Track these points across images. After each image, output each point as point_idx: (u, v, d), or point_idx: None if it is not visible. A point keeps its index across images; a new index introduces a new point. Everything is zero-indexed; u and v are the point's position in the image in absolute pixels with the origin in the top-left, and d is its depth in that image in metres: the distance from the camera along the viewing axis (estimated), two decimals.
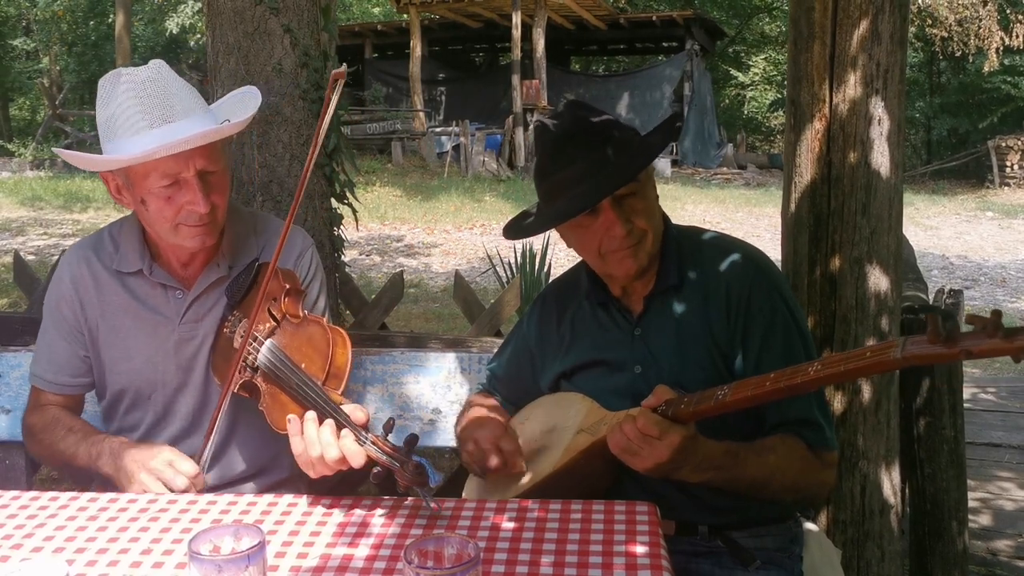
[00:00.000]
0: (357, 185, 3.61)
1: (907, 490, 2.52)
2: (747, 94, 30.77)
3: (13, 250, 3.17)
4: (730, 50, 30.20)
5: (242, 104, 1.91)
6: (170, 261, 1.94)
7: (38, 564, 1.24)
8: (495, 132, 18.79)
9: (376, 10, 27.50)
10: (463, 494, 1.99)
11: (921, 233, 13.14)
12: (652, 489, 1.77)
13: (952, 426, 2.42)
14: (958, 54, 20.72)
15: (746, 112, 30.70)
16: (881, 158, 2.17)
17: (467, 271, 9.71)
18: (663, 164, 18.57)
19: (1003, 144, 20.40)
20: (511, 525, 1.59)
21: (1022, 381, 6.33)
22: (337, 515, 1.62)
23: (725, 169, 20.88)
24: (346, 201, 3.47)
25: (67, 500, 1.70)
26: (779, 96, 29.70)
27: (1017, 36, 18.71)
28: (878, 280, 2.20)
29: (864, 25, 2.11)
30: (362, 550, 1.50)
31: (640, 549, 1.49)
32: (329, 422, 1.63)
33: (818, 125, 2.19)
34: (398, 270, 3.43)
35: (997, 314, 1.13)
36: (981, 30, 19.01)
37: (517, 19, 18.57)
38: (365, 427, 1.65)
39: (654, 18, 22.34)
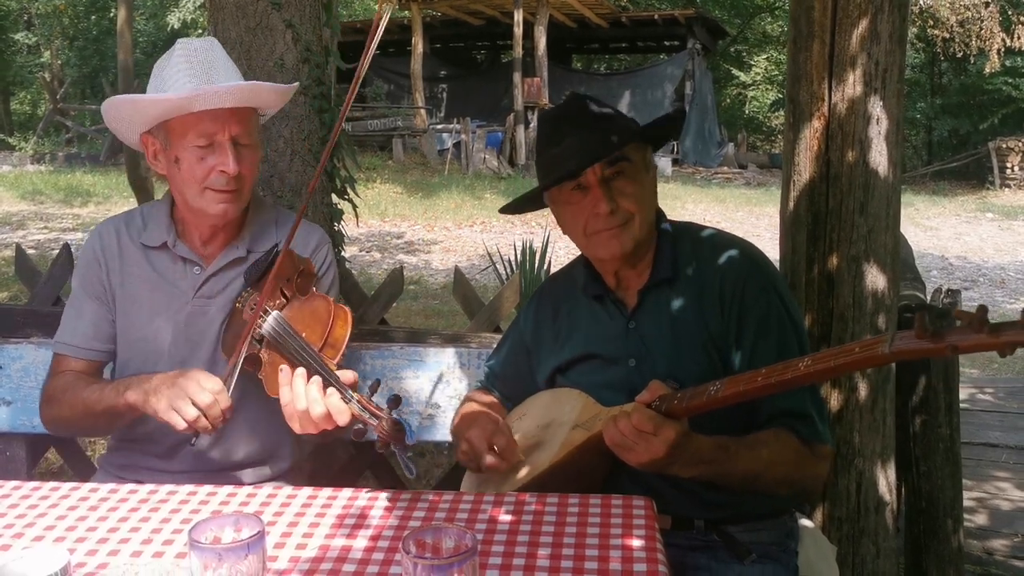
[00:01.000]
0: (358, 181, 3.62)
1: (903, 488, 2.53)
2: (748, 93, 30.76)
3: (14, 243, 3.17)
4: (732, 49, 30.18)
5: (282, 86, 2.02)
6: (193, 237, 2.03)
7: (39, 552, 1.25)
8: (496, 130, 18.79)
9: (378, 6, 27.50)
10: (461, 488, 2.00)
11: (921, 234, 13.14)
12: (648, 483, 1.78)
13: (948, 424, 2.43)
14: (959, 55, 20.70)
15: (747, 111, 30.69)
16: (879, 157, 2.18)
17: (467, 268, 9.72)
18: (664, 163, 18.58)
19: (1004, 146, 20.39)
20: (508, 518, 1.60)
21: (1020, 382, 6.35)
22: (336, 507, 1.64)
23: (726, 168, 20.88)
24: (347, 197, 3.47)
25: (68, 490, 1.71)
26: (780, 96, 29.68)
27: (1019, 37, 18.70)
28: (875, 279, 2.21)
29: (863, 24, 2.12)
30: (360, 541, 1.51)
31: (636, 543, 1.51)
32: (316, 379, 1.71)
33: (817, 124, 2.20)
34: (398, 266, 3.44)
35: (983, 310, 1.14)
36: (983, 31, 19.00)
37: (519, 17, 18.56)
38: (352, 387, 1.72)
39: (656, 17, 22.31)
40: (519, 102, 18.52)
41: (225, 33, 3.22)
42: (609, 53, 29.66)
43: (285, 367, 1.74)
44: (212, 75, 1.88)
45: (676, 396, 1.58)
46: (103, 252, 2.04)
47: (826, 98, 2.19)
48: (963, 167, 21.42)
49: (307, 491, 1.71)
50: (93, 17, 24.75)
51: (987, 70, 19.57)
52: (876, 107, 2.16)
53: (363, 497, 1.68)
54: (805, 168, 2.24)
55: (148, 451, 2.05)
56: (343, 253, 3.49)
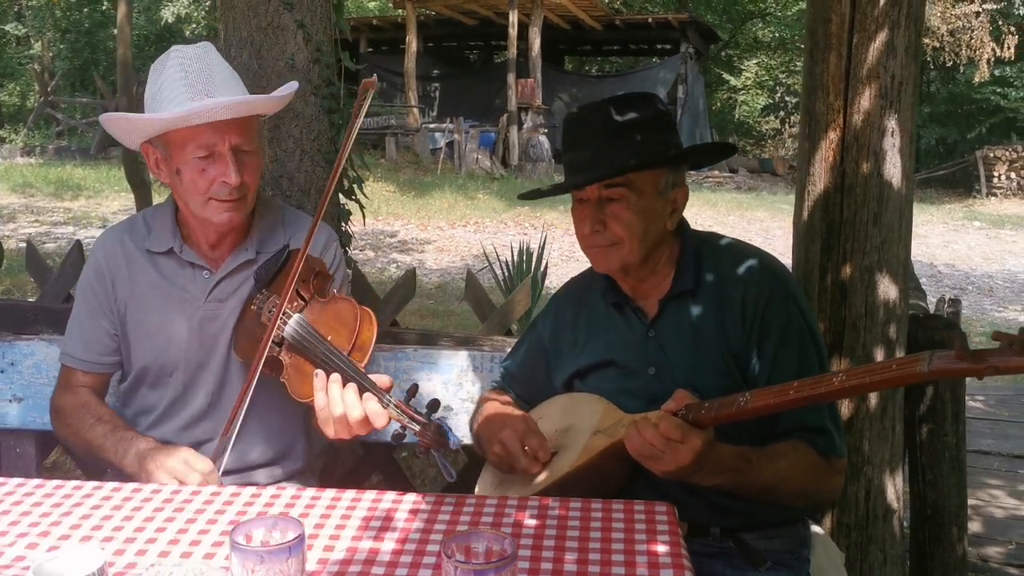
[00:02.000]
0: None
1: (908, 495, 2.56)
2: (739, 98, 30.89)
3: (25, 238, 3.17)
4: (723, 54, 30.29)
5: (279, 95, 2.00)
6: (199, 242, 2.02)
7: (75, 551, 1.26)
8: (489, 130, 18.79)
9: (372, 4, 27.47)
10: (476, 490, 2.01)
11: None
12: (664, 490, 1.80)
13: (954, 433, 2.46)
14: (949, 64, 20.86)
15: (737, 116, 30.82)
16: (893, 169, 2.20)
17: (460, 268, 9.73)
18: None
19: (991, 155, 20.56)
20: (533, 522, 1.61)
21: (1010, 390, 6.40)
22: (361, 509, 1.65)
23: (716, 172, 20.94)
24: (354, 197, 3.48)
25: (91, 489, 1.72)
26: (771, 101, 29.84)
27: (1008, 48, 18.86)
28: (887, 289, 2.24)
29: (880, 38, 2.14)
30: (388, 544, 1.52)
31: (661, 548, 1.52)
32: (352, 384, 1.70)
33: (832, 135, 2.23)
34: (411, 267, 3.45)
35: None
36: (973, 41, 19.16)
37: (514, 18, 18.57)
38: (388, 391, 1.72)
39: (650, 20, 22.39)
40: (513, 103, 18.52)
41: (236, 32, 3.22)
42: (602, 55, 29.71)
43: (320, 372, 1.73)
44: (210, 86, 1.86)
45: (704, 406, 1.60)
46: (107, 265, 2.04)
47: (842, 110, 2.22)
48: (950, 175, 21.55)
49: (331, 493, 1.72)
50: (86, 9, 24.58)
51: (976, 79, 19.73)
52: (891, 120, 2.18)
53: (387, 500, 1.69)
54: (820, 178, 2.26)
55: None
56: (350, 254, 3.50)
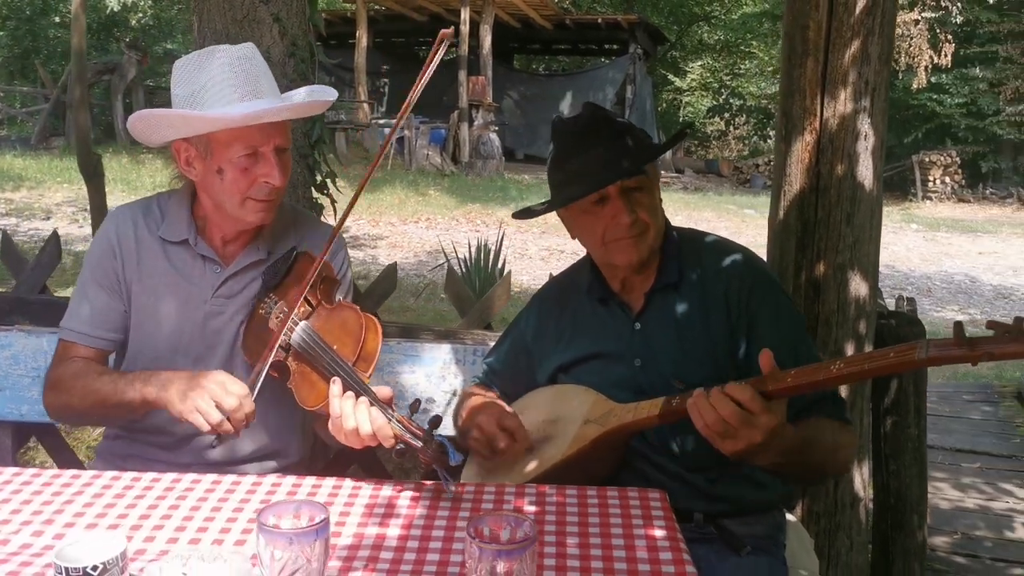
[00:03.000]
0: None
1: (873, 484, 2.67)
2: (683, 99, 31.29)
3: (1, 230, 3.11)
4: (668, 55, 30.66)
5: (312, 96, 1.98)
6: (214, 237, 2.01)
7: (96, 538, 1.27)
8: (440, 126, 18.77)
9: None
10: (461, 480, 2.04)
11: None
12: (648, 477, 1.86)
13: (916, 426, 2.57)
14: None
15: (682, 117, 31.21)
16: (866, 171, 2.30)
17: (415, 264, 9.73)
18: None
19: (927, 159, 21.22)
20: (533, 508, 1.66)
21: (950, 387, 6.64)
22: (363, 497, 1.68)
23: (663, 173, 21.20)
24: (326, 192, 3.49)
25: (90, 478, 1.72)
26: (715, 103, 30.30)
27: (945, 56, 19.39)
28: (858, 286, 2.33)
29: (856, 45, 2.23)
30: (393, 531, 1.55)
31: (659, 532, 1.58)
32: (364, 399, 1.71)
33: (809, 137, 2.31)
34: (391, 262, 3.46)
35: (1020, 320, 1.24)
36: (912, 48, 19.65)
37: (465, 15, 18.58)
38: (389, 404, 1.73)
39: (599, 20, 22.58)
40: (464, 100, 18.53)
41: (211, 24, 3.21)
42: (551, 54, 29.84)
43: (337, 380, 1.73)
44: (257, 88, 1.86)
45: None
46: (119, 243, 2.01)
47: (818, 113, 2.30)
48: (888, 179, 22.12)
49: (331, 481, 1.75)
50: None
51: (914, 86, 20.24)
52: (864, 124, 2.28)
53: (387, 488, 1.72)
54: (796, 179, 2.35)
55: (153, 442, 2.03)
56: None
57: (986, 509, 4.33)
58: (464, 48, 18.76)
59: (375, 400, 1.72)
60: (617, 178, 1.83)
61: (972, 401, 6.26)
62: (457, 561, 1.44)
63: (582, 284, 2.05)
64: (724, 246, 2.00)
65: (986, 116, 22.37)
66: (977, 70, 22.22)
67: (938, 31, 19.44)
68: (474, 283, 6.50)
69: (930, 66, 19.46)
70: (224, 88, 1.83)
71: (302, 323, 1.84)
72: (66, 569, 1.20)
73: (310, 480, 1.76)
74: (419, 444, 1.67)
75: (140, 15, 20.34)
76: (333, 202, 3.58)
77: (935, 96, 22.28)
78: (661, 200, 1.95)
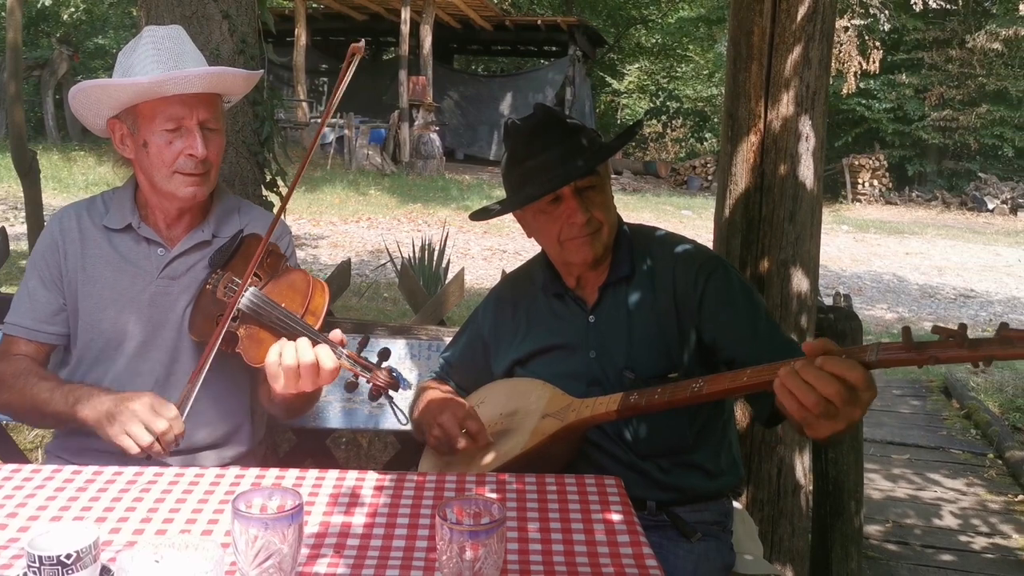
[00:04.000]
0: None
1: (812, 473, 2.77)
2: (622, 101, 31.61)
3: None
4: (606, 58, 30.96)
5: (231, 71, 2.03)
6: (157, 220, 2.06)
7: (67, 528, 1.27)
8: (380, 126, 18.68)
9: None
10: (419, 470, 2.08)
11: None
12: (604, 467, 1.92)
13: None
14: None
15: (620, 119, 31.53)
16: (807, 171, 2.40)
17: (357, 264, 9.68)
18: None
19: (856, 163, 21.81)
20: (494, 496, 1.70)
21: (880, 382, 6.84)
22: (327, 486, 1.70)
23: None
24: (276, 189, 3.48)
25: (51, 472, 1.72)
26: (653, 105, 30.67)
27: (874, 62, 19.95)
28: (800, 282, 2.43)
29: (797, 51, 2.33)
30: (359, 518, 1.58)
31: (616, 517, 1.63)
32: (304, 338, 1.76)
33: (753, 138, 2.40)
34: (335, 261, 3.47)
35: (963, 327, 1.32)
36: (841, 54, 20.15)
37: (406, 15, 18.51)
38: (341, 345, 1.79)
39: (539, 22, 22.69)
40: (404, 100, 18.47)
41: (159, 20, 3.17)
42: (490, 55, 29.91)
43: (274, 348, 1.77)
44: (180, 62, 1.91)
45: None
46: (62, 237, 2.05)
47: (762, 115, 2.39)
48: None
49: (294, 472, 1.77)
50: None
51: (844, 92, 20.77)
52: (806, 126, 2.38)
53: (351, 477, 1.75)
54: (742, 178, 2.44)
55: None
56: None
57: (915, 498, 4.51)
58: (404, 48, 18.71)
59: (324, 340, 1.77)
60: (572, 179, 1.88)
61: (901, 395, 6.49)
62: (423, 547, 1.48)
63: (537, 280, 2.10)
64: (673, 239, 2.06)
65: (912, 121, 23.07)
66: (904, 76, 22.90)
67: (867, 38, 19.97)
68: (418, 282, 6.50)
69: (859, 72, 19.99)
70: (148, 63, 1.89)
71: (250, 290, 1.89)
72: (39, 558, 1.21)
73: (273, 471, 1.78)
74: (368, 374, 1.74)
75: (72, 10, 19.82)
76: (283, 200, 3.57)
77: (864, 101, 22.89)
78: (612, 196, 2.01)
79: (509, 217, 2.03)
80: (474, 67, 31.02)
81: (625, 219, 2.08)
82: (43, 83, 17.45)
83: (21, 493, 1.63)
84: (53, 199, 10.74)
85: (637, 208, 16.14)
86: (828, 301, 4.86)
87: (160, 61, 1.89)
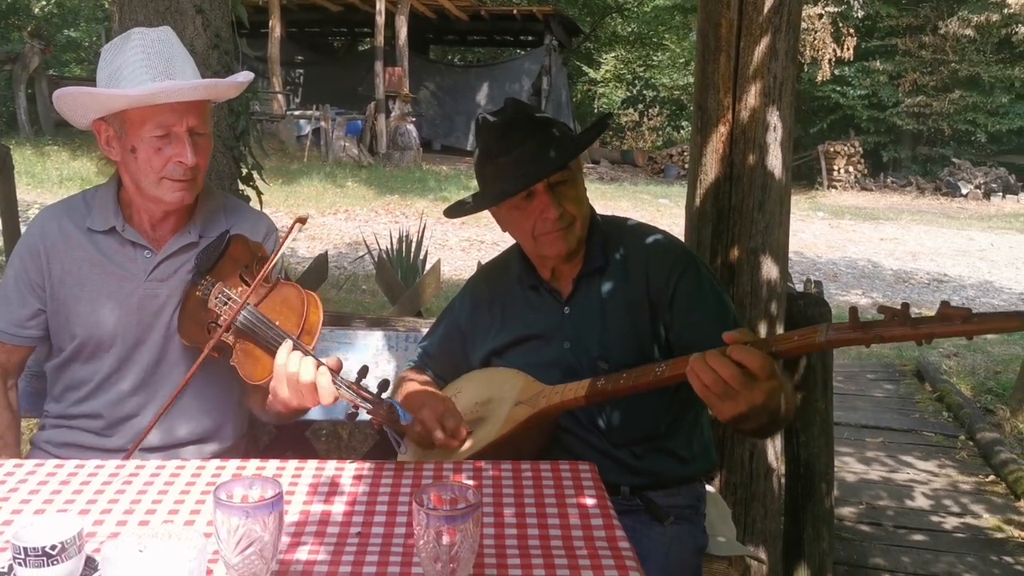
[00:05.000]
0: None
1: (784, 457, 2.83)
2: (598, 90, 31.64)
3: None
4: (583, 47, 30.96)
5: (223, 79, 2.06)
6: (142, 222, 2.05)
7: (51, 520, 1.30)
8: (356, 118, 18.63)
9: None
10: (399, 458, 2.11)
11: None
12: (578, 454, 1.96)
13: (823, 399, 2.74)
14: None
15: (597, 108, 31.55)
16: (775, 161, 2.45)
17: (335, 256, 9.67)
18: None
19: (831, 149, 21.98)
20: (471, 483, 1.74)
21: (856, 366, 6.95)
22: (306, 476, 1.73)
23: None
24: (252, 184, 3.50)
25: (32, 466, 1.74)
26: (629, 94, 30.72)
27: (848, 49, 20.12)
28: (770, 269, 2.48)
29: (764, 43, 2.37)
30: (338, 507, 1.61)
31: (589, 501, 1.67)
32: (310, 359, 1.76)
33: (723, 129, 2.45)
34: (314, 253, 3.49)
35: (906, 306, 1.37)
36: (816, 41, 20.29)
37: (381, 5, 18.45)
38: (338, 373, 1.79)
39: (515, 12, 22.67)
40: (380, 91, 18.43)
41: (133, 16, 3.18)
42: (466, 45, 29.84)
43: (288, 342, 1.79)
44: (171, 68, 1.89)
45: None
46: (43, 241, 2.04)
47: (731, 106, 2.44)
48: (795, 169, 22.72)
49: (275, 462, 1.80)
50: None
51: (819, 78, 20.92)
52: (774, 116, 2.42)
53: (330, 467, 1.78)
54: (711, 168, 2.48)
55: (87, 427, 2.08)
56: None
57: (889, 480, 4.59)
58: (380, 39, 18.66)
59: (322, 365, 1.77)
60: (543, 176, 1.90)
61: (875, 380, 6.59)
62: (401, 533, 1.51)
63: (513, 271, 2.13)
64: (645, 229, 2.10)
65: (887, 107, 23.26)
66: (878, 63, 23.08)
67: (841, 25, 20.13)
68: (396, 274, 6.52)
69: (833, 59, 20.15)
70: (137, 68, 1.87)
71: (248, 306, 1.89)
72: (25, 549, 1.23)
73: (254, 462, 1.81)
74: (369, 406, 1.73)
75: (43, 3, 19.58)
76: (259, 194, 3.59)
77: (838, 88, 23.04)
78: (585, 188, 2.04)
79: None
80: (450, 57, 30.95)
81: (603, 209, 2.10)
82: (15, 77, 17.24)
83: (4, 487, 1.64)
84: (27, 195, 10.66)
85: (615, 197, 16.20)
86: (800, 287, 4.94)
87: (150, 67, 1.87)
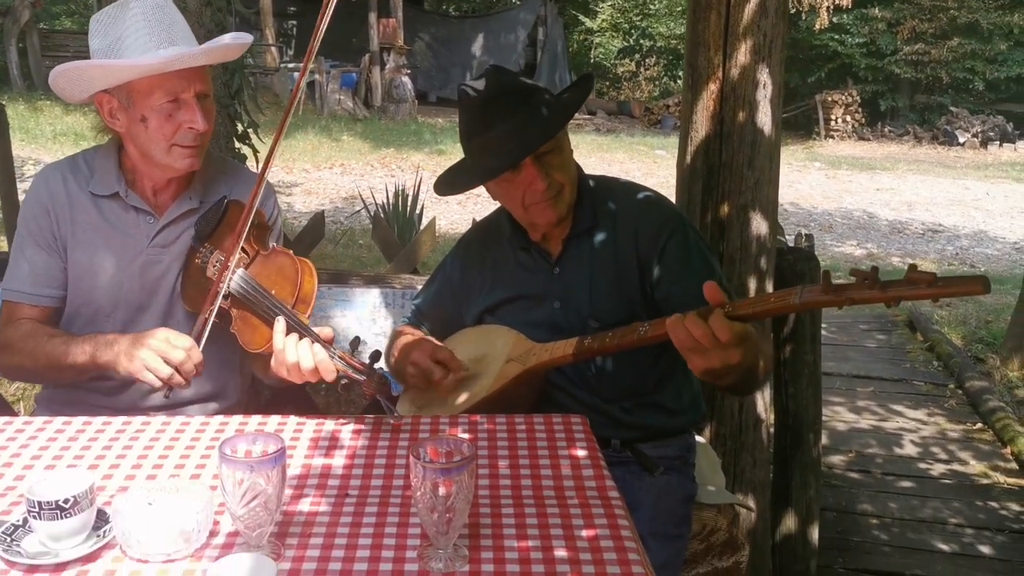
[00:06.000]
0: None
1: (773, 407, 2.90)
2: (594, 40, 31.29)
3: None
4: None
5: (230, 40, 2.01)
6: (144, 187, 2.05)
7: (63, 475, 1.36)
8: (351, 70, 18.47)
9: None
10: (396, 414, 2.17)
11: None
12: (569, 409, 2.01)
13: (812, 352, 2.79)
14: (792, 12, 21.76)
15: (593, 58, 31.24)
16: (765, 118, 2.47)
17: (331, 211, 9.69)
18: None
19: (829, 99, 21.84)
20: (466, 436, 1.80)
21: (848, 317, 7.01)
22: (307, 431, 1.79)
23: (576, 115, 21.29)
24: (248, 142, 3.52)
25: (42, 423, 1.79)
26: (626, 44, 30.39)
27: None
28: (759, 225, 2.52)
29: (754, 0, 2.39)
30: (338, 460, 1.67)
31: (581, 452, 1.74)
32: (306, 337, 1.81)
33: (713, 87, 2.47)
34: (309, 209, 3.52)
35: (875, 270, 1.42)
36: None
37: None
38: (331, 344, 1.84)
39: None
40: (375, 43, 18.26)
41: None
42: None
43: (281, 319, 1.82)
44: (172, 35, 1.90)
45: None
46: (51, 200, 2.04)
47: (721, 64, 2.46)
48: (792, 119, 22.66)
49: (276, 418, 1.86)
50: None
51: (817, 27, 20.69)
52: (763, 74, 2.44)
53: (330, 422, 1.84)
54: (702, 126, 2.51)
55: (96, 388, 2.09)
56: None
57: (878, 429, 4.68)
58: None
59: (317, 339, 1.82)
60: (530, 150, 1.91)
61: (868, 330, 6.66)
62: (399, 485, 1.57)
63: (504, 233, 2.16)
64: (634, 189, 2.13)
65: (885, 55, 23.05)
66: (876, 10, 22.82)
67: None
68: (393, 229, 6.55)
69: (832, 7, 19.92)
70: (140, 37, 1.87)
71: (240, 271, 1.92)
72: (39, 503, 1.29)
73: (256, 418, 1.86)
74: (362, 378, 1.79)
75: None
76: (255, 152, 3.61)
77: (836, 36, 22.79)
78: (571, 150, 2.04)
79: None
80: (445, 7, 30.56)
81: (599, 161, 2.14)
82: (6, 31, 17.04)
83: (15, 444, 1.70)
84: (21, 150, 10.63)
85: (611, 149, 16.14)
86: (792, 241, 4.98)
87: (153, 34, 1.87)
